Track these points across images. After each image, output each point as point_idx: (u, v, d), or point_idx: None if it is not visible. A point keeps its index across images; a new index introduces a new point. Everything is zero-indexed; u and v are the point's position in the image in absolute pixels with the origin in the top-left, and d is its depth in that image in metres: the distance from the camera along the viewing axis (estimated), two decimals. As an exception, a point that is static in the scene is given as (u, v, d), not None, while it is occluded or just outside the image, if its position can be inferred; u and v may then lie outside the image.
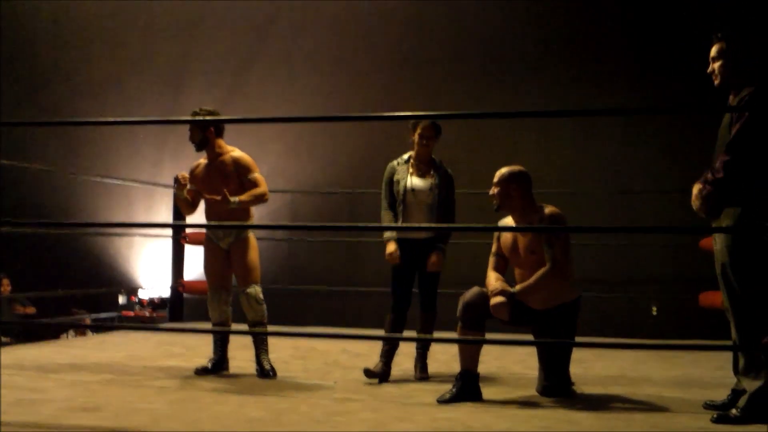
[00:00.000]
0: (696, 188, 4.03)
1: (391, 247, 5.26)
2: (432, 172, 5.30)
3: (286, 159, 9.24)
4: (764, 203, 3.83)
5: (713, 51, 4.09)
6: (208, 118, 5.15)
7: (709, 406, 4.15)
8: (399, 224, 5.22)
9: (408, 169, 5.32)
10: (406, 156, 5.39)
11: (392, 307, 5.30)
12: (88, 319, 8.56)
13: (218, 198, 5.06)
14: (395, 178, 5.33)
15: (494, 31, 8.81)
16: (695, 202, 4.02)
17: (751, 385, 3.84)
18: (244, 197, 5.15)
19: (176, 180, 5.29)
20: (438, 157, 5.38)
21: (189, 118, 5.33)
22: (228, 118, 7.10)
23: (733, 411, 3.85)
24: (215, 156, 5.32)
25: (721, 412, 3.92)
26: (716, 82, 4.10)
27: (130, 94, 9.79)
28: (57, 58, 10.10)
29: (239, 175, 5.25)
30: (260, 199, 5.24)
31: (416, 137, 5.29)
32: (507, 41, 8.80)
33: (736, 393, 4.05)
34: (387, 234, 5.32)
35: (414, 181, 5.27)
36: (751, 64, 4.03)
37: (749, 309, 3.87)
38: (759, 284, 3.87)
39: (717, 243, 4.01)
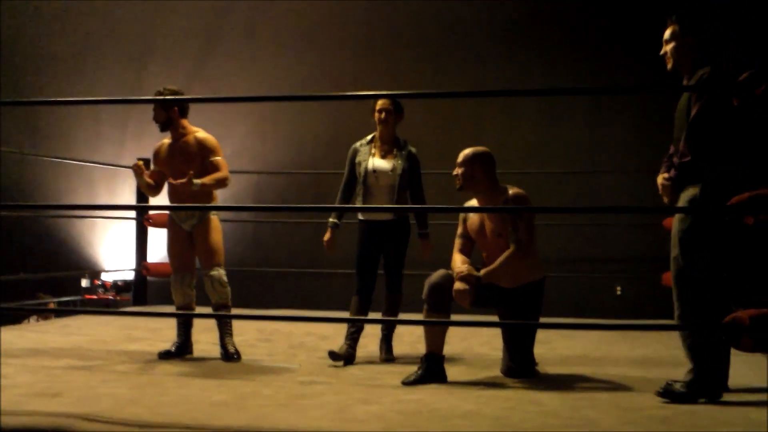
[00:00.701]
0: (660, 178, 4.06)
1: (327, 235, 5.29)
2: (395, 152, 5.27)
3: (250, 139, 9.17)
4: (722, 182, 3.86)
5: (666, 33, 4.10)
6: (171, 97, 5.10)
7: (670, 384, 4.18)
8: (365, 205, 5.20)
9: (370, 150, 5.29)
10: (369, 137, 5.36)
11: (357, 290, 5.29)
12: (52, 304, 8.46)
13: (183, 181, 5.00)
14: (357, 159, 5.30)
15: (461, 10, 8.77)
16: (663, 194, 4.05)
17: (695, 361, 3.88)
18: (206, 180, 5.11)
19: (135, 169, 5.22)
20: (403, 138, 5.36)
21: (153, 97, 5.26)
22: (192, 98, 7.02)
23: (677, 386, 3.89)
24: (179, 136, 5.27)
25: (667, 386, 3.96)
26: (668, 65, 4.11)
27: (92, 73, 9.63)
28: (16, 35, 9.91)
29: (202, 157, 5.21)
30: (221, 183, 5.20)
31: (375, 115, 5.27)
32: (474, 21, 8.77)
33: None
34: (330, 219, 5.33)
35: (376, 163, 5.24)
36: (705, 47, 4.04)
37: (698, 288, 3.89)
38: (707, 262, 3.90)
39: (674, 222, 4.04)
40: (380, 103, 5.27)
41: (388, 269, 5.34)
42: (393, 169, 5.22)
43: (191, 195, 5.12)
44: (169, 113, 5.22)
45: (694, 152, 3.88)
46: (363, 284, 5.29)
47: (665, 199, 4.10)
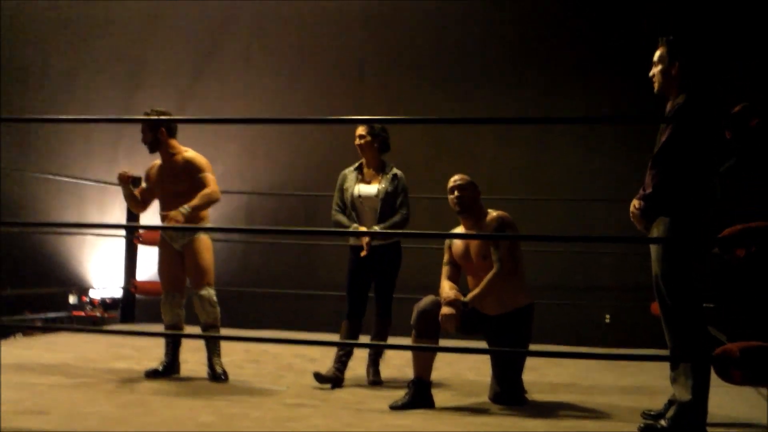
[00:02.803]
0: (633, 205, 4.07)
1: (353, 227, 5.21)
2: (380, 177, 5.30)
3: (242, 160, 9.17)
4: (692, 213, 3.87)
5: (655, 55, 4.10)
6: (164, 117, 5.10)
7: (646, 415, 4.18)
8: (354, 228, 5.19)
9: (357, 176, 5.33)
10: (357, 164, 5.42)
11: (347, 315, 5.29)
12: (37, 322, 8.38)
13: (173, 212, 5.00)
14: (345, 185, 5.34)
15: (456, 36, 8.82)
16: (634, 220, 4.06)
17: (681, 395, 3.87)
18: (195, 201, 5.08)
19: (121, 178, 5.23)
20: (391, 162, 5.39)
21: (141, 117, 5.25)
22: (183, 118, 7.05)
23: (662, 422, 3.88)
24: (168, 157, 5.28)
25: (649, 422, 3.95)
26: (655, 87, 4.12)
27: (85, 91, 9.62)
28: (11, 53, 9.90)
29: (191, 176, 5.20)
30: (210, 198, 5.16)
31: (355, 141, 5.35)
32: (468, 48, 8.81)
33: (672, 403, 4.10)
34: (344, 220, 5.27)
35: (361, 188, 5.29)
36: (690, 72, 4.04)
37: (680, 320, 3.90)
38: (690, 295, 3.90)
39: (652, 254, 4.04)
40: (357, 129, 5.35)
41: (377, 294, 5.34)
42: (377, 194, 5.25)
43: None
44: (156, 134, 5.22)
45: (656, 185, 3.88)
46: (353, 309, 5.29)
47: (638, 227, 4.09)
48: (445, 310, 4.46)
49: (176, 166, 5.25)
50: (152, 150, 5.29)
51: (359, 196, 5.27)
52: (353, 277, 5.32)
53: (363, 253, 5.15)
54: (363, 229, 5.14)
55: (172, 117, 5.35)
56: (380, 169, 5.35)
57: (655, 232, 3.95)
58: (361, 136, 5.33)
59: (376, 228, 5.14)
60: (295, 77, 9.21)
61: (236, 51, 9.45)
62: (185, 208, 5.02)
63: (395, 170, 5.36)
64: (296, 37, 9.28)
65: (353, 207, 5.25)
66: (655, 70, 4.09)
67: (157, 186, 5.32)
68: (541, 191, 8.23)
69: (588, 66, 8.46)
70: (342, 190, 5.36)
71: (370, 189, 5.28)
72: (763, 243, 3.34)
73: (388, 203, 5.24)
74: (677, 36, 4.07)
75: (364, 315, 5.32)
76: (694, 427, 3.83)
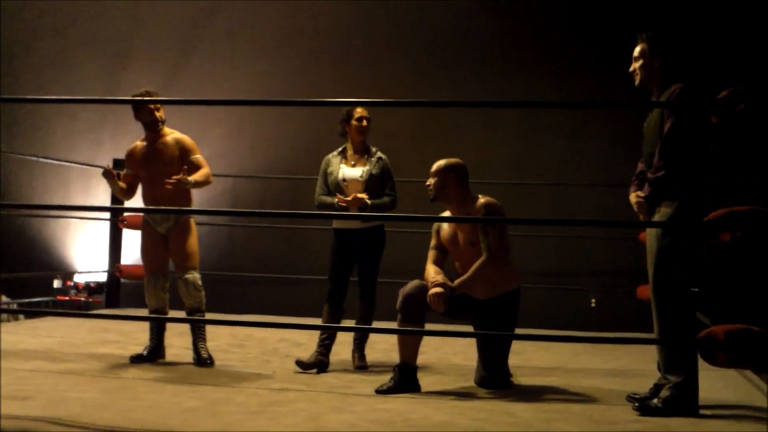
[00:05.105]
0: (634, 197, 4.09)
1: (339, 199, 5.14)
2: (365, 160, 5.29)
3: (227, 143, 9.12)
4: (697, 199, 3.89)
5: (635, 51, 4.17)
6: (159, 98, 5.10)
7: (631, 398, 4.21)
8: (339, 199, 5.14)
9: (341, 160, 5.31)
10: (340, 148, 5.40)
11: (328, 297, 5.29)
12: (14, 305, 8.33)
13: (174, 181, 4.97)
14: (329, 169, 5.32)
15: (442, 20, 8.78)
16: (639, 211, 4.07)
17: (671, 377, 3.93)
18: (197, 177, 5.11)
19: (107, 174, 5.16)
20: (375, 146, 5.38)
21: (136, 98, 5.18)
22: (171, 99, 6.99)
23: (655, 401, 3.93)
24: (159, 137, 5.24)
25: (643, 402, 3.99)
26: (636, 81, 4.17)
27: (70, 73, 9.53)
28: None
29: (182, 158, 5.19)
30: (208, 179, 5.22)
31: (354, 123, 5.29)
32: (454, 32, 8.77)
33: (658, 387, 4.13)
34: (328, 199, 5.23)
35: (346, 171, 5.27)
36: (672, 67, 4.08)
37: (672, 303, 3.92)
38: (683, 279, 3.93)
39: (649, 238, 4.06)
40: (360, 111, 5.31)
41: (361, 278, 5.33)
42: (361, 176, 5.23)
43: (168, 197, 5.10)
44: (156, 113, 5.19)
45: (668, 166, 3.91)
46: (335, 292, 5.29)
47: (641, 217, 4.12)
48: (434, 290, 4.45)
49: (167, 147, 5.23)
50: (151, 129, 5.24)
51: (344, 179, 5.24)
52: (336, 259, 5.31)
53: (347, 200, 5.08)
54: (347, 198, 5.11)
55: (166, 99, 5.32)
56: (364, 153, 5.33)
57: (659, 215, 3.96)
58: (367, 119, 5.30)
59: (364, 197, 5.12)
60: (281, 60, 9.15)
61: (221, 33, 9.38)
62: (189, 181, 5.02)
63: (380, 153, 5.34)
64: (282, 19, 9.21)
65: (338, 190, 5.23)
66: (636, 65, 4.16)
67: (142, 167, 5.26)
68: (528, 176, 8.22)
69: (574, 52, 8.44)
70: (326, 175, 5.33)
71: (355, 171, 5.26)
72: (748, 227, 3.35)
73: (373, 185, 5.22)
74: (656, 33, 4.12)
75: (345, 297, 5.31)
76: (686, 407, 3.86)
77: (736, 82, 3.56)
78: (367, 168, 5.26)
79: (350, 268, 5.34)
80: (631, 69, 4.16)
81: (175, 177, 5.00)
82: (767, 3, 7.28)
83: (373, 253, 5.32)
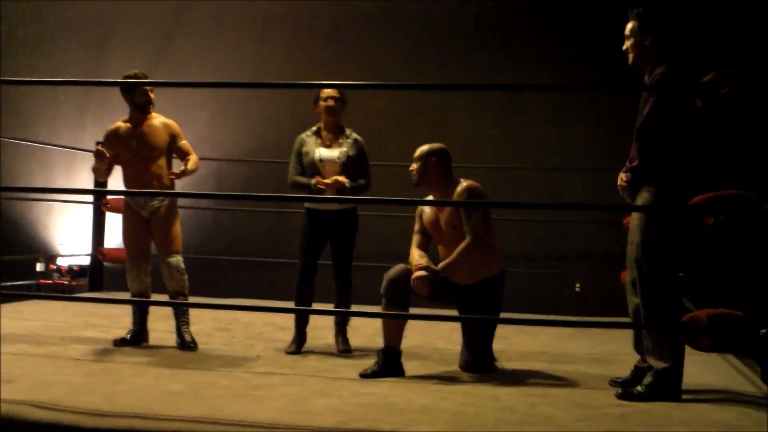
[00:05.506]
0: (620, 178, 4.09)
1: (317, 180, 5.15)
2: (341, 141, 5.27)
3: (212, 126, 9.07)
4: (675, 183, 3.88)
5: (627, 28, 4.12)
6: (151, 81, 5.10)
7: (614, 382, 4.22)
8: (316, 181, 5.13)
9: (316, 140, 5.28)
10: (315, 128, 5.36)
11: (300, 279, 5.31)
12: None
13: (179, 172, 5.05)
14: (303, 150, 5.29)
15: (428, 3, 8.75)
16: (623, 194, 4.08)
17: (657, 363, 3.91)
18: (192, 166, 5.15)
19: (99, 154, 5.10)
20: (350, 128, 5.37)
21: (142, 80, 5.17)
22: (158, 81, 6.94)
23: (638, 388, 3.93)
24: (147, 120, 5.21)
25: (625, 388, 3.99)
26: (629, 59, 4.14)
27: (52, 55, 9.45)
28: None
29: (167, 142, 5.20)
30: (197, 166, 5.25)
31: (321, 103, 5.28)
32: (442, 14, 8.74)
33: (639, 370, 4.15)
34: (303, 180, 5.22)
35: (322, 152, 5.24)
36: (663, 45, 4.05)
37: (657, 289, 3.93)
38: (668, 265, 3.94)
39: (632, 222, 4.06)
40: (328, 91, 5.27)
41: (336, 260, 5.33)
42: (339, 157, 5.21)
43: (151, 180, 5.12)
44: (149, 95, 5.20)
45: (642, 156, 3.91)
46: (306, 274, 5.31)
47: (626, 198, 4.13)
48: (418, 273, 4.45)
49: (155, 130, 5.21)
50: (143, 111, 5.22)
51: (321, 160, 5.22)
52: (309, 239, 5.31)
53: (327, 183, 5.09)
54: (327, 180, 5.09)
55: (157, 81, 5.31)
56: (339, 133, 5.31)
57: (639, 201, 3.97)
58: (333, 98, 5.26)
59: (342, 179, 5.10)
60: (267, 43, 9.10)
61: (205, 15, 9.31)
62: (188, 171, 5.10)
63: (355, 135, 5.32)
64: (268, 2, 9.15)
65: (314, 171, 5.20)
66: (628, 43, 4.12)
67: (127, 148, 5.21)
68: (513, 160, 8.22)
69: (562, 35, 8.43)
70: (300, 155, 5.30)
71: (332, 153, 5.23)
72: (731, 211, 3.36)
73: (350, 167, 5.20)
74: (646, 7, 4.08)
75: (315, 276, 5.34)
76: (670, 393, 3.87)
77: (728, 64, 3.56)
78: (345, 149, 5.23)
79: (321, 248, 5.35)
80: (624, 47, 4.13)
81: (180, 169, 5.08)
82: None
83: (349, 235, 5.32)
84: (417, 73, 8.56)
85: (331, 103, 5.26)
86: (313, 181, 5.11)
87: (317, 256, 5.35)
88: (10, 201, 9.19)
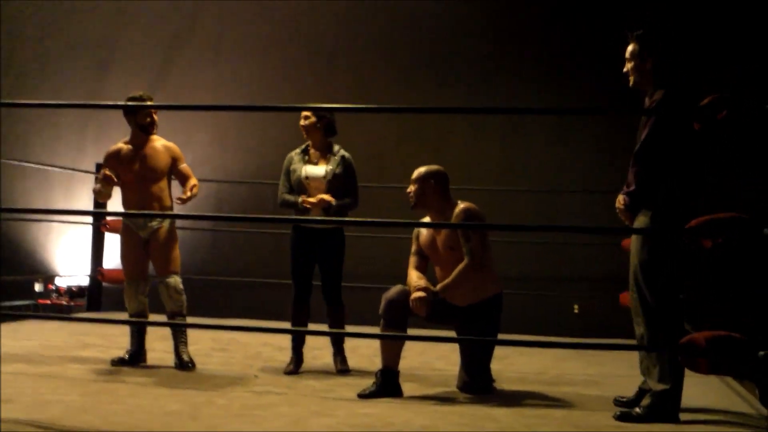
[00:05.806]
0: (618, 201, 4.10)
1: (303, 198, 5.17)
2: (328, 158, 5.28)
3: (212, 148, 9.09)
4: (672, 206, 3.90)
5: (627, 51, 4.14)
6: (154, 104, 5.12)
7: (618, 402, 4.22)
8: (303, 199, 5.15)
9: (303, 158, 5.31)
10: (303, 146, 5.39)
11: (294, 297, 5.32)
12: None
13: (186, 197, 5.10)
14: (291, 167, 5.31)
15: (428, 26, 8.79)
16: (621, 216, 4.09)
17: (656, 385, 3.91)
18: (195, 191, 5.18)
19: (107, 179, 5.10)
20: (339, 146, 5.37)
21: (148, 103, 5.20)
22: (159, 105, 6.96)
23: (636, 410, 3.93)
24: (149, 142, 5.23)
25: (624, 409, 3.99)
26: (630, 81, 4.16)
27: (54, 78, 9.49)
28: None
29: (169, 164, 5.25)
30: (197, 189, 5.26)
31: (300, 123, 5.33)
32: (440, 37, 8.79)
33: (643, 391, 4.14)
34: (291, 198, 5.23)
35: (308, 170, 5.25)
36: (663, 69, 4.07)
37: (658, 312, 3.93)
38: (668, 288, 3.95)
39: (632, 245, 4.07)
40: (303, 112, 5.31)
41: (325, 280, 5.33)
42: (325, 175, 5.22)
43: (150, 202, 5.14)
44: (153, 117, 5.24)
45: (639, 181, 3.93)
46: (298, 292, 5.31)
47: (625, 221, 4.14)
48: (417, 294, 4.45)
49: (157, 152, 5.24)
50: (146, 132, 5.25)
51: (306, 177, 5.23)
52: (296, 259, 5.32)
53: (312, 201, 5.10)
54: (312, 199, 5.10)
55: (156, 104, 5.35)
56: (327, 151, 5.32)
57: (636, 225, 3.98)
58: (305, 117, 5.29)
59: (327, 197, 5.10)
60: (266, 65, 9.14)
61: (205, 38, 9.36)
62: (193, 194, 5.14)
63: (343, 152, 5.33)
64: (266, 24, 9.20)
65: (300, 189, 5.21)
66: (629, 66, 4.13)
67: (128, 170, 5.23)
68: (513, 182, 8.24)
69: (562, 58, 8.47)
70: (288, 172, 5.32)
71: (318, 170, 5.25)
72: (729, 234, 3.36)
73: (336, 185, 5.21)
74: (646, 31, 4.10)
75: (310, 296, 5.33)
76: (669, 415, 3.87)
77: (728, 85, 3.58)
78: (331, 167, 5.25)
79: (312, 267, 5.34)
80: (625, 70, 4.15)
81: (185, 195, 5.12)
82: (762, 2, 7.30)
83: (336, 255, 5.32)
84: (416, 95, 8.59)
85: (303, 122, 5.30)
86: (300, 199, 5.13)
87: (309, 276, 5.34)
88: (9, 222, 9.20)
